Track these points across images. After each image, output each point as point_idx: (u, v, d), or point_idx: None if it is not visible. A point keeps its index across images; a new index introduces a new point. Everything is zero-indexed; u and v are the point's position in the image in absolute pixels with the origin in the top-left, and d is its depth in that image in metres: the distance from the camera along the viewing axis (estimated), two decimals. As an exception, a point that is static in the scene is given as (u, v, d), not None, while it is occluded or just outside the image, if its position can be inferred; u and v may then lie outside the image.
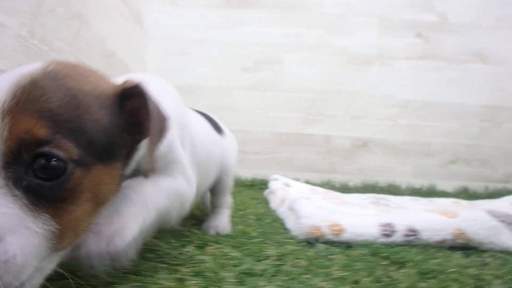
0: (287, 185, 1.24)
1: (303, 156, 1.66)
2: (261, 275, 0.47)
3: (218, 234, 0.70)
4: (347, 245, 0.65)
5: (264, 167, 1.64)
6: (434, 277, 0.52)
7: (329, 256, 0.57)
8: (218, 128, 0.82)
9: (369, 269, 0.52)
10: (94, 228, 0.36)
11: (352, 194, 1.23)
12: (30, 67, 0.35)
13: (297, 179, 1.62)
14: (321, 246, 0.63)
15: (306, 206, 0.73)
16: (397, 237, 0.67)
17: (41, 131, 0.31)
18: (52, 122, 0.32)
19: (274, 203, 1.06)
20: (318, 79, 1.69)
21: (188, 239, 0.60)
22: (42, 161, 0.31)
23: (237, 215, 0.86)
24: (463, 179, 1.66)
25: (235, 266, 0.50)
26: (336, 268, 0.51)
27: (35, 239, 0.31)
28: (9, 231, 0.29)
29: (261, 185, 1.55)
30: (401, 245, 0.66)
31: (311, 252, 0.60)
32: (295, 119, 1.67)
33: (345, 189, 1.60)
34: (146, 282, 0.42)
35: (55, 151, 0.31)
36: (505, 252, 0.68)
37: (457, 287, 0.49)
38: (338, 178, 1.64)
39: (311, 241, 0.65)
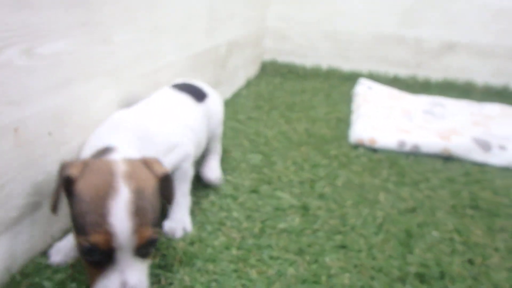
0: (370, 88, 1.75)
1: (396, 54, 2.05)
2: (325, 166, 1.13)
3: (211, 183, 0.96)
4: (375, 150, 1.25)
5: (363, 62, 2.10)
6: (403, 174, 1.11)
7: (361, 157, 1.19)
8: (199, 95, 0.95)
9: (374, 167, 1.14)
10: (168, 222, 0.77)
11: (418, 97, 1.69)
12: (123, 194, 0.53)
13: (387, 73, 2.07)
14: (361, 150, 1.25)
15: (361, 124, 1.31)
16: (406, 148, 1.24)
17: (151, 232, 0.54)
18: (152, 224, 0.55)
19: (354, 105, 1.62)
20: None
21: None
22: (151, 241, 0.55)
23: (323, 116, 1.48)
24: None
25: (306, 160, 1.16)
26: (360, 165, 1.14)
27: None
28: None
29: (357, 77, 2.07)
30: (406, 154, 1.23)
31: (353, 153, 1.22)
32: (393, 22, 2.00)
33: (426, 84, 2.01)
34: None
35: (156, 236, 0.55)
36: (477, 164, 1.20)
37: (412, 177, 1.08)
38: (423, 73, 2.02)
39: (357, 146, 1.27)
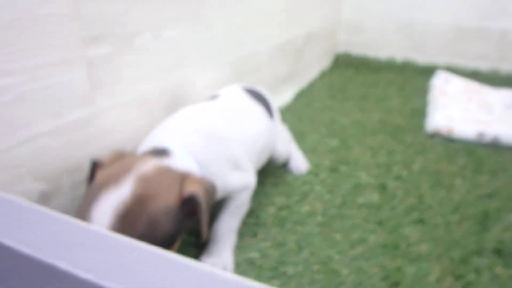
0: (447, 80, 1.73)
1: (476, 47, 1.99)
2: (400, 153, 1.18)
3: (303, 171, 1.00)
4: (451, 140, 1.26)
5: (440, 55, 2.06)
6: (481, 163, 1.12)
7: (437, 146, 1.22)
8: (270, 110, 0.89)
9: (450, 156, 1.16)
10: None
11: (499, 91, 1.64)
12: (121, 192, 0.46)
13: (466, 66, 2.02)
14: (437, 139, 1.27)
15: (439, 114, 1.33)
16: (486, 140, 1.24)
17: None
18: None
19: (431, 97, 1.62)
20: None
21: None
22: None
23: (398, 107, 1.51)
24: None
25: (382, 147, 1.21)
26: (436, 153, 1.17)
27: None
28: None
29: (433, 70, 2.04)
30: (484, 145, 1.23)
31: (429, 142, 1.25)
32: (475, 12, 1.94)
33: (510, 79, 1.93)
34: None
35: None
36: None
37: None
38: (507, 68, 1.94)
39: (433, 136, 1.29)
